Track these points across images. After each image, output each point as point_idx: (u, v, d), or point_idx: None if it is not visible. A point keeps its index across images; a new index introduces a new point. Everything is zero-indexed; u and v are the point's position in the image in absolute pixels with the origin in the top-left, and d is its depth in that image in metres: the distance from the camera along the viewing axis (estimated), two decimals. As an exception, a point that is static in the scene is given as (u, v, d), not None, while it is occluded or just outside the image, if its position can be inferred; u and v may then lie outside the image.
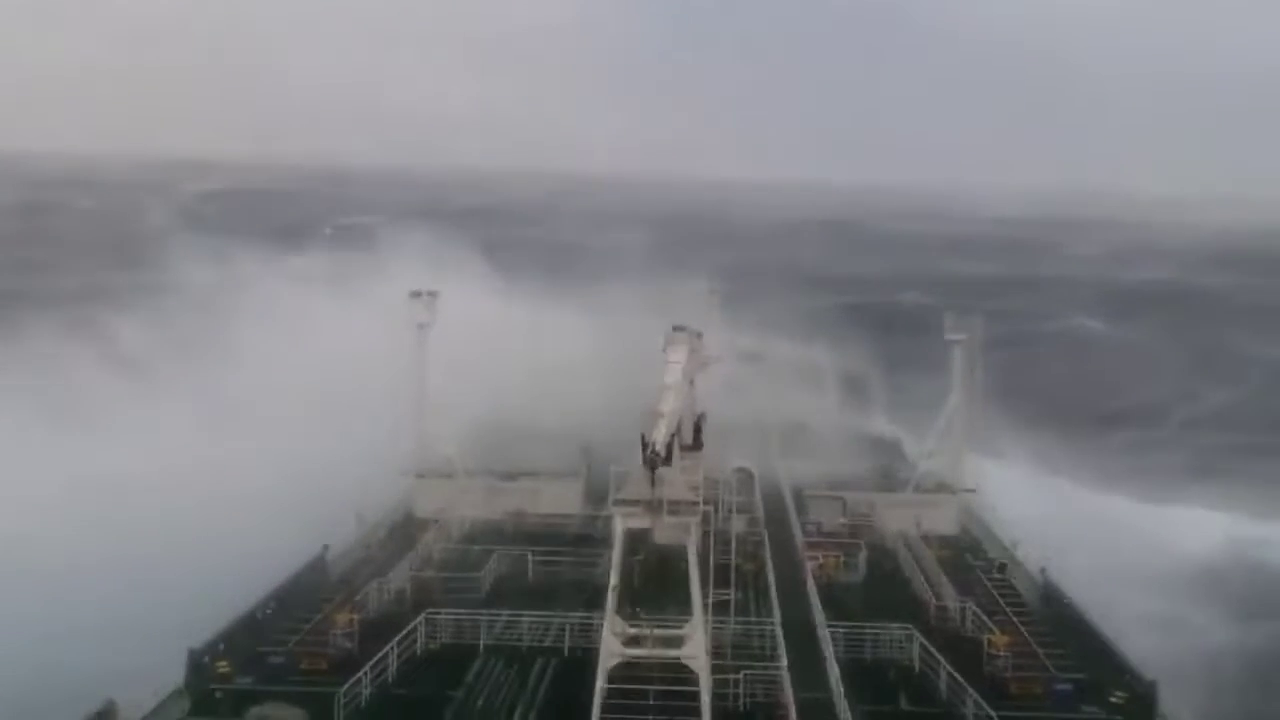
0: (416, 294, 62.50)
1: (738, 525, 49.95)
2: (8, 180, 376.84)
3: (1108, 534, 76.93)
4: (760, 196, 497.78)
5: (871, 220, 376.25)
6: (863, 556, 55.08)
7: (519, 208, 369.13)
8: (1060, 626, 48.74)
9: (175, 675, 40.16)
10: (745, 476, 56.36)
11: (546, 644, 43.92)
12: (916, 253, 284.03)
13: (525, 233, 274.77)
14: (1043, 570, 54.62)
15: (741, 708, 38.26)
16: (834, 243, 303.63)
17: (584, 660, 39.40)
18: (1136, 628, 56.79)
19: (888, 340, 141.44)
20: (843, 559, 54.85)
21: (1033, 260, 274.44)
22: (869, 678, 42.08)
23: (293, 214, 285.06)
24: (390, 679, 41.00)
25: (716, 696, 36.74)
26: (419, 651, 43.15)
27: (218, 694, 40.03)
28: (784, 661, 40.15)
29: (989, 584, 53.93)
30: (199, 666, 40.80)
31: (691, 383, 47.15)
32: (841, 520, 62.30)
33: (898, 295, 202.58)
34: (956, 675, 40.91)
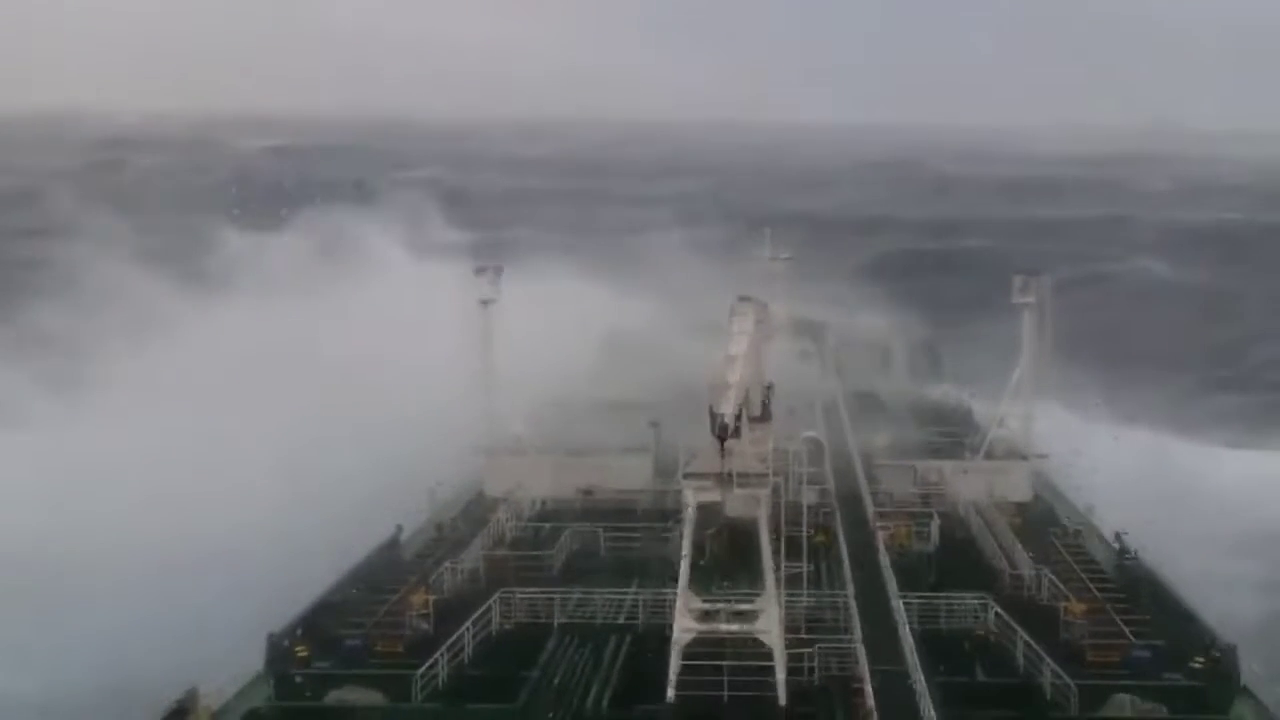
0: (481, 269, 62.78)
1: (808, 496, 49.65)
2: (71, 139, 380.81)
3: (1191, 488, 76.41)
4: (821, 138, 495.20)
5: (932, 161, 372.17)
6: (935, 525, 54.60)
7: (578, 159, 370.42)
8: (1138, 592, 48.16)
9: (255, 661, 40.74)
10: (815, 447, 55.99)
11: (620, 620, 43.99)
12: (978, 195, 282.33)
13: (584, 183, 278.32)
14: (1119, 535, 54.00)
15: (816, 681, 38.13)
16: (895, 186, 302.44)
17: (657, 636, 39.49)
18: (1221, 588, 56.36)
19: (955, 289, 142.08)
20: (915, 528, 54.46)
21: (1097, 200, 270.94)
22: (944, 648, 41.73)
23: (345, 169, 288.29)
24: (466, 659, 41.29)
25: (791, 670, 36.63)
26: (494, 631, 43.41)
27: (297, 678, 40.41)
28: (858, 634, 40.01)
29: (1064, 550, 53.36)
30: (278, 651, 41.21)
31: (758, 353, 47.01)
32: (913, 489, 61.85)
33: (962, 242, 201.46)
34: (1033, 644, 40.58)
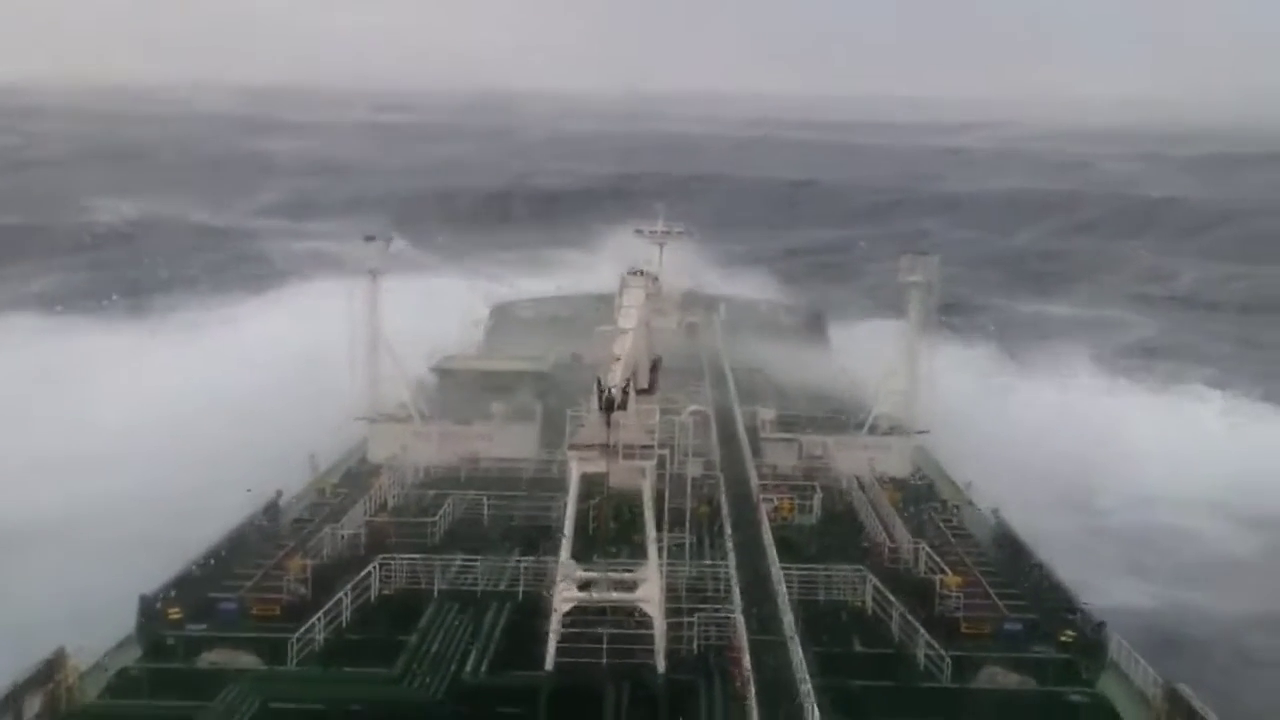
0: (370, 238, 62.25)
1: (693, 469, 49.88)
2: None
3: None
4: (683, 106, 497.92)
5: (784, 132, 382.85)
6: (817, 499, 55.24)
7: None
8: (1012, 567, 49.21)
9: (127, 622, 39.96)
10: (701, 420, 56.23)
11: (501, 588, 43.81)
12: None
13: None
14: (995, 511, 55.04)
15: (695, 650, 38.32)
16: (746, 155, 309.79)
17: (538, 604, 39.44)
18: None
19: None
20: (797, 501, 54.99)
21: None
22: (822, 619, 42.30)
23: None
24: (344, 624, 40.90)
25: (670, 639, 36.88)
26: (373, 597, 43.01)
27: (169, 640, 39.81)
28: (738, 604, 40.26)
29: (942, 525, 54.33)
30: (150, 613, 40.58)
31: (647, 326, 47.05)
32: (796, 463, 62.45)
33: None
34: (908, 616, 41.21)
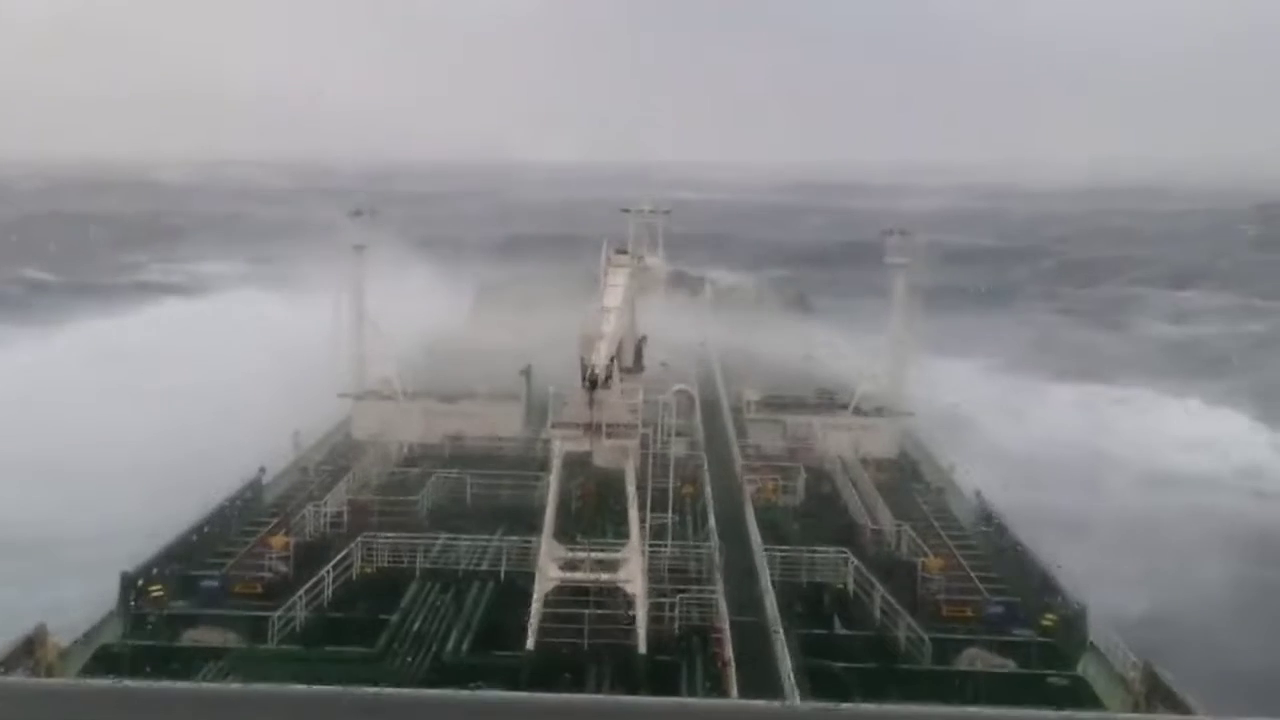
0: (356, 213, 62.24)
1: (677, 448, 49.80)
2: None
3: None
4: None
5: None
6: (801, 480, 55.25)
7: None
8: (994, 550, 49.28)
9: (108, 600, 39.86)
10: (685, 399, 56.11)
11: (483, 568, 43.69)
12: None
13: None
14: (978, 493, 55.08)
15: (677, 630, 38.34)
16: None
17: (521, 584, 39.36)
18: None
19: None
20: (781, 482, 55.01)
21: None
22: (804, 601, 42.32)
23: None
24: (325, 603, 40.81)
25: (652, 619, 36.90)
26: (355, 575, 42.88)
27: (151, 618, 39.73)
28: (720, 585, 40.29)
29: (925, 507, 54.40)
30: (132, 590, 40.44)
31: (632, 306, 46.96)
32: (781, 443, 62.51)
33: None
34: (890, 598, 41.27)
